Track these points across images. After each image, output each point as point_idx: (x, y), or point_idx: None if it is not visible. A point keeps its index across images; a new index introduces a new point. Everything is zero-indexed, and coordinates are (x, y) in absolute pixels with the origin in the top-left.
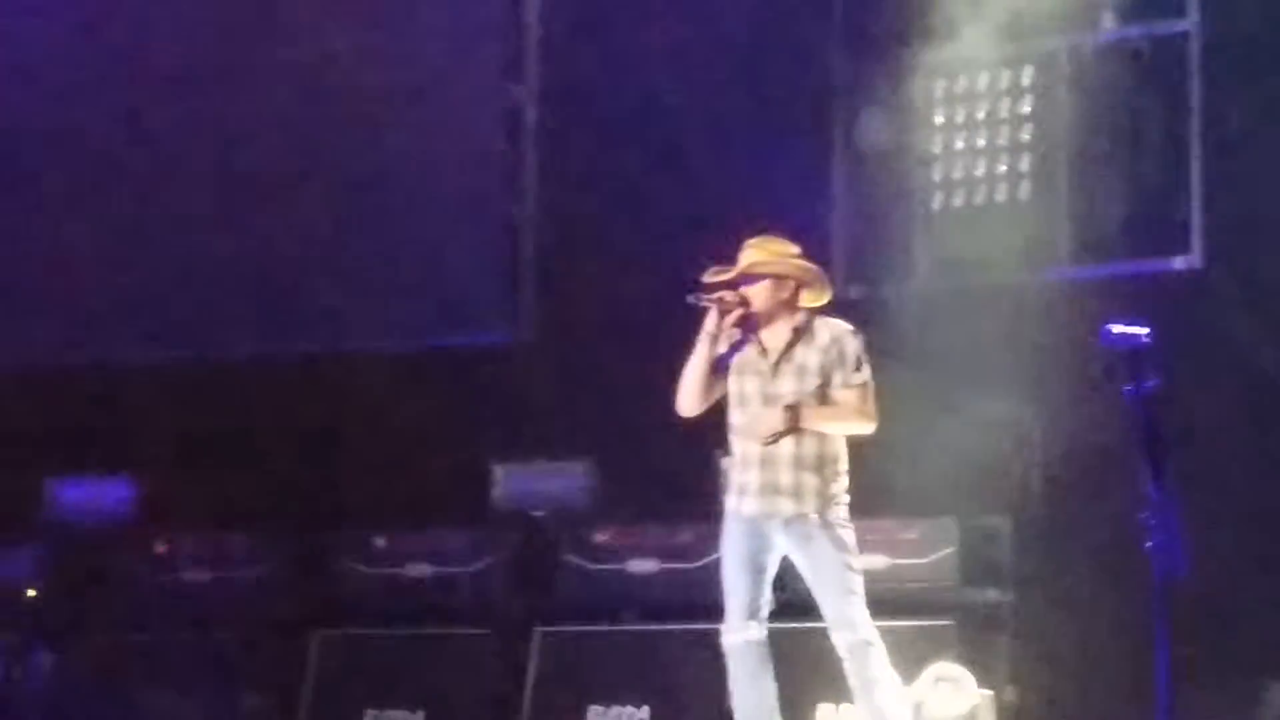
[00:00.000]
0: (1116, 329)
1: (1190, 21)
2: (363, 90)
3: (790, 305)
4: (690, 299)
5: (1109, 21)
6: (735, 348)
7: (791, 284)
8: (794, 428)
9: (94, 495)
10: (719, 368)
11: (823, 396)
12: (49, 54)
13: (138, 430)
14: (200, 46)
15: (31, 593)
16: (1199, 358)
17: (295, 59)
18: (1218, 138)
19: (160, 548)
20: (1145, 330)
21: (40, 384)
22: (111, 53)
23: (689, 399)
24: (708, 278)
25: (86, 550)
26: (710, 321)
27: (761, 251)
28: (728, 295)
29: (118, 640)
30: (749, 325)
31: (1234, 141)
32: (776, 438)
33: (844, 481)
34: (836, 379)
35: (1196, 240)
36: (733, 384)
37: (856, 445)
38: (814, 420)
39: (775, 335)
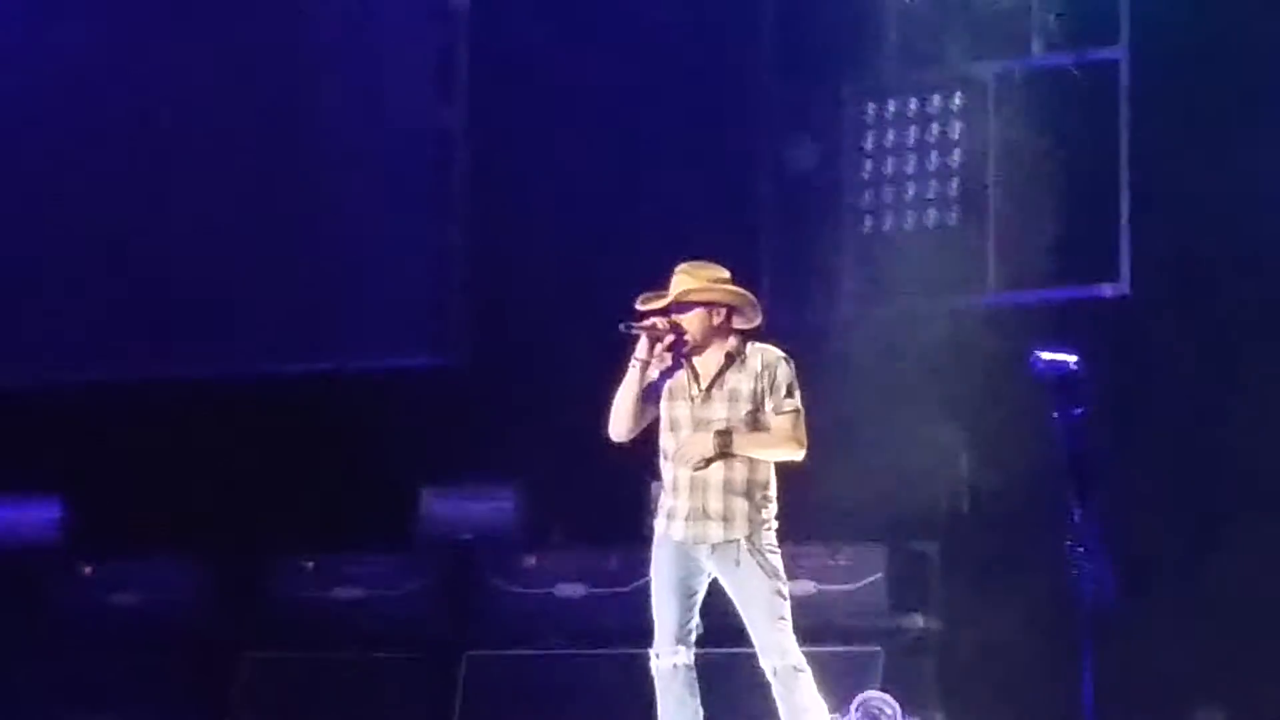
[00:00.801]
0: (1045, 356)
1: (1120, 49)
2: (295, 109)
3: (722, 331)
4: (623, 328)
5: (1038, 47)
6: (667, 373)
7: (724, 310)
8: (725, 453)
9: (21, 516)
10: (651, 393)
11: (754, 422)
12: None
13: (64, 451)
14: (119, 60)
15: None
16: (1127, 384)
17: (226, 78)
18: (1147, 164)
19: (87, 570)
20: (1074, 358)
21: None
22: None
23: (620, 424)
24: (640, 305)
25: (12, 572)
26: (642, 348)
27: (693, 278)
28: (660, 322)
29: (43, 663)
30: (681, 351)
31: (1163, 168)
32: (707, 463)
33: (773, 507)
34: (768, 405)
35: (1125, 267)
36: (664, 409)
37: (786, 471)
38: (745, 446)
39: (707, 361)
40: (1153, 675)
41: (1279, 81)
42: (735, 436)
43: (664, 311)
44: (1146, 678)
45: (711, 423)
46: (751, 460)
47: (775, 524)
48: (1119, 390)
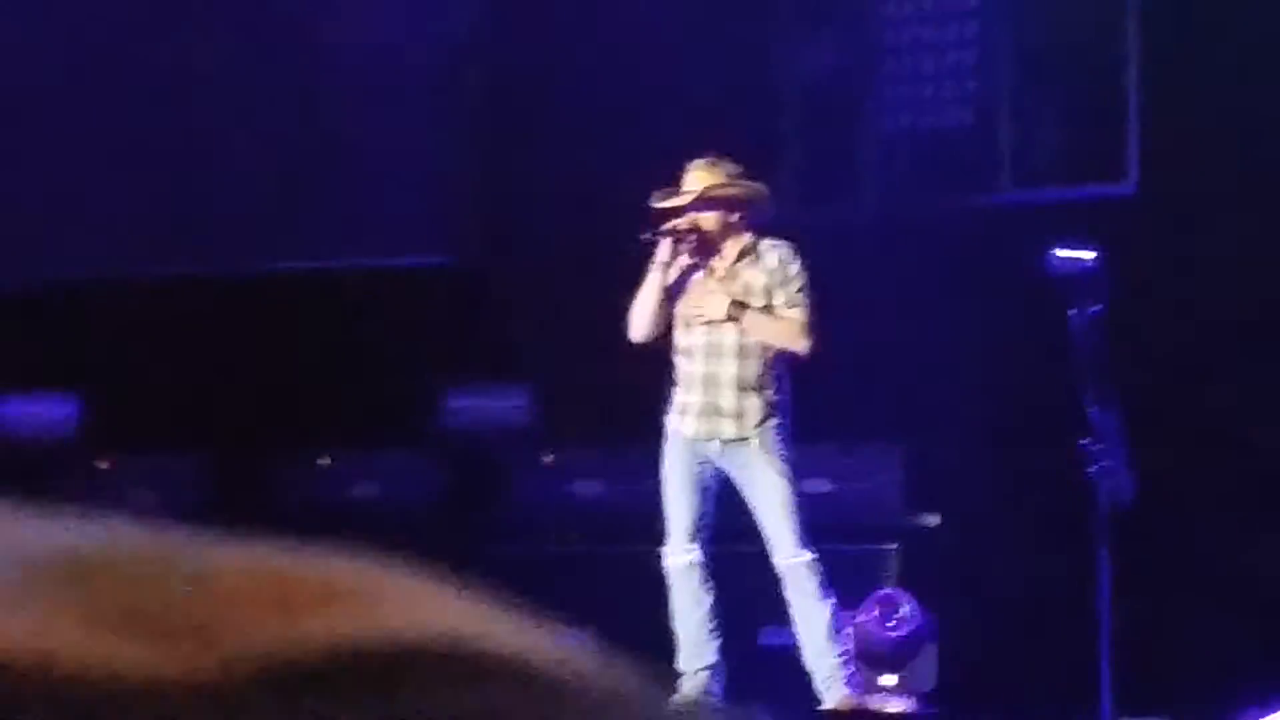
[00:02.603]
0: (1062, 253)
1: None
2: (307, 11)
3: (737, 226)
4: (645, 237)
5: None
6: (686, 271)
7: (740, 206)
8: (736, 319)
9: (35, 412)
10: (670, 293)
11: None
12: None
13: (78, 348)
14: None
15: None
16: (1135, 283)
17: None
18: (1156, 61)
19: (102, 465)
20: (1091, 254)
21: None
22: None
23: (641, 325)
24: (657, 203)
25: (27, 467)
26: (664, 250)
27: (711, 174)
28: (682, 224)
29: None
30: (701, 249)
31: (1172, 65)
32: (715, 323)
33: (786, 405)
34: (779, 298)
35: (1133, 165)
36: (679, 305)
37: (799, 370)
38: (756, 323)
39: (722, 257)
40: (1168, 574)
41: None
42: (749, 312)
43: (684, 209)
44: (1162, 576)
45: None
46: (764, 358)
47: (787, 421)
48: (1132, 287)
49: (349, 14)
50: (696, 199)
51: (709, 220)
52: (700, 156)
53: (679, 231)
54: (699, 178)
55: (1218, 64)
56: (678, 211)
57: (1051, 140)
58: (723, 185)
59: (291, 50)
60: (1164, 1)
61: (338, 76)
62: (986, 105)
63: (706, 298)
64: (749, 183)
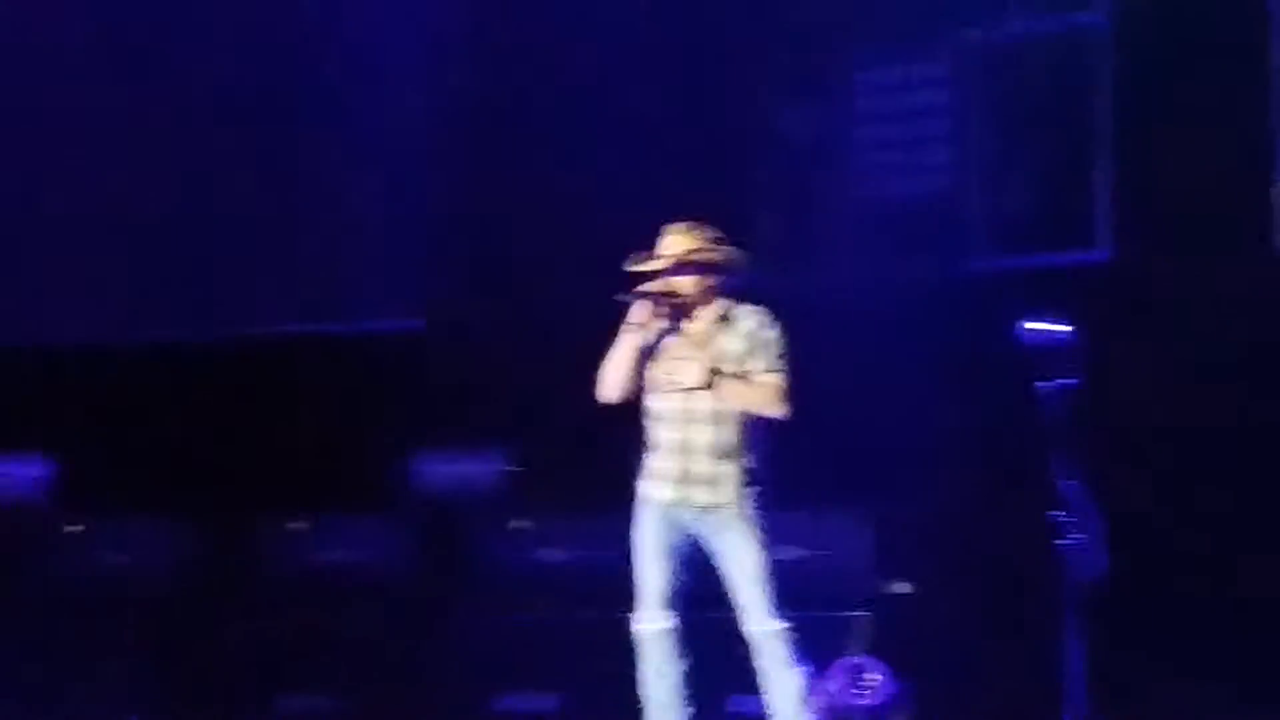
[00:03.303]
0: (1035, 326)
1: (1099, 13)
2: (286, 72)
3: (713, 291)
4: (620, 298)
5: (1019, 14)
6: (660, 335)
7: (717, 271)
8: (710, 386)
9: (8, 475)
10: (643, 356)
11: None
12: None
13: (53, 411)
14: (110, 17)
15: None
16: (1105, 350)
17: (218, 40)
18: (1127, 130)
19: (74, 528)
20: (1065, 328)
21: None
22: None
23: (612, 386)
24: (633, 267)
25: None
26: (638, 312)
27: (687, 239)
28: (658, 286)
29: (29, 624)
30: (676, 313)
31: (1143, 134)
32: (690, 390)
33: (760, 471)
34: (756, 365)
35: (1106, 234)
36: (652, 370)
37: (774, 436)
38: (731, 389)
39: (697, 322)
40: (1140, 646)
41: (1258, 43)
42: (723, 379)
43: (660, 273)
44: (1133, 649)
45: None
46: (738, 425)
47: (761, 488)
48: (1103, 357)
49: (325, 81)
50: (673, 263)
51: (685, 284)
52: (677, 221)
53: (654, 294)
54: (675, 242)
55: (1189, 130)
56: (654, 275)
57: (1024, 208)
58: (699, 250)
59: (265, 117)
60: (1136, 68)
61: (313, 142)
62: (959, 173)
63: (681, 363)
64: (725, 247)
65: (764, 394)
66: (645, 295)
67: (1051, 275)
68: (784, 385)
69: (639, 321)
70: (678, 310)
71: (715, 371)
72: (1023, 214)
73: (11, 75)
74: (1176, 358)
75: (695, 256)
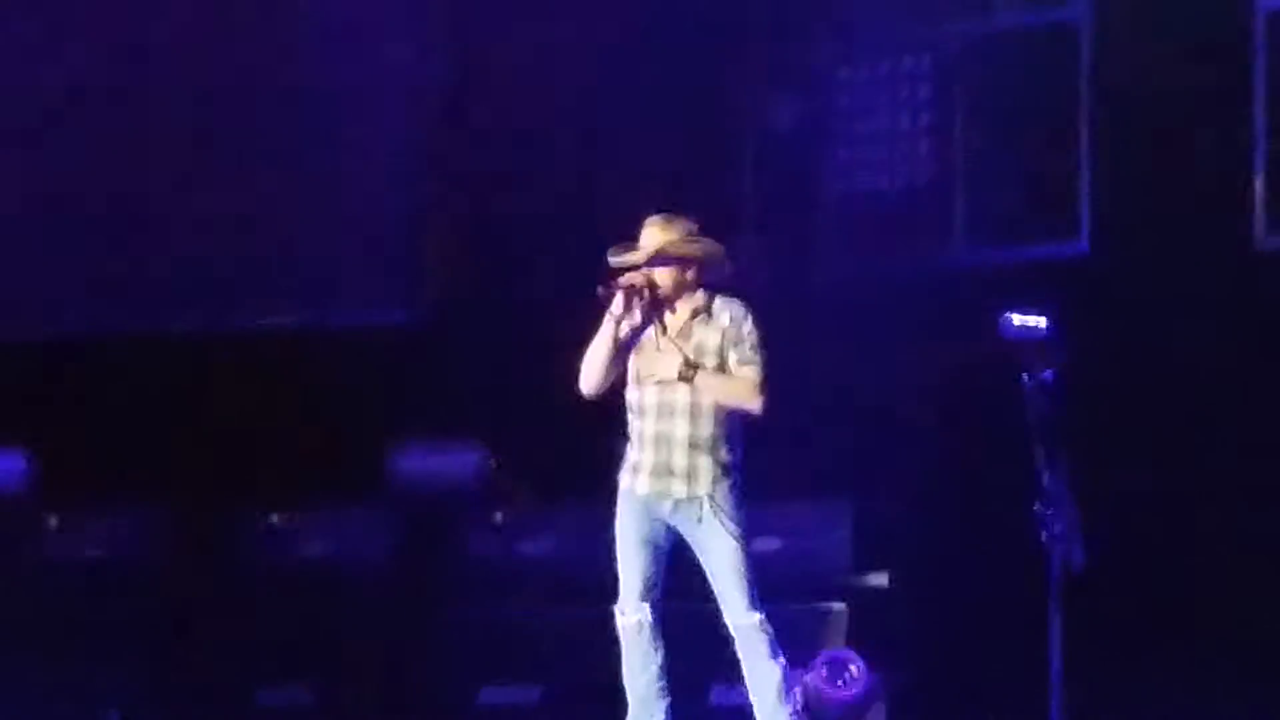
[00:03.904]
0: (1016, 318)
1: (1080, 8)
2: (271, 61)
3: (692, 284)
4: (601, 290)
5: (1001, 8)
6: (639, 328)
7: (695, 264)
8: (688, 380)
9: None
10: (622, 348)
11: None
12: None
13: (32, 404)
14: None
15: None
16: (1086, 343)
17: (204, 30)
18: (1108, 124)
19: (53, 523)
20: (1044, 320)
21: None
22: None
23: (591, 379)
24: (614, 258)
25: None
26: (617, 305)
27: (667, 231)
28: (637, 280)
29: (6, 616)
30: (655, 306)
31: (1124, 128)
32: (668, 383)
33: (738, 464)
34: (733, 357)
35: (1085, 226)
36: (631, 363)
37: (753, 428)
38: (709, 383)
39: (675, 314)
40: (1120, 638)
41: (1238, 39)
42: (701, 373)
43: (639, 265)
44: (1114, 641)
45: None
46: (716, 418)
47: (739, 480)
48: (1082, 350)
49: (309, 72)
50: (652, 256)
51: (664, 276)
52: (656, 213)
53: (634, 286)
54: (655, 234)
55: (1169, 122)
56: (633, 267)
57: (1005, 201)
58: (679, 242)
59: (248, 108)
60: (1117, 62)
61: (297, 134)
62: (941, 166)
63: (659, 356)
64: (709, 242)
65: (740, 387)
66: (624, 288)
67: (1033, 268)
68: (761, 378)
69: (618, 314)
70: (656, 303)
71: (692, 365)
72: (1004, 207)
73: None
74: (1157, 351)
75: (674, 249)
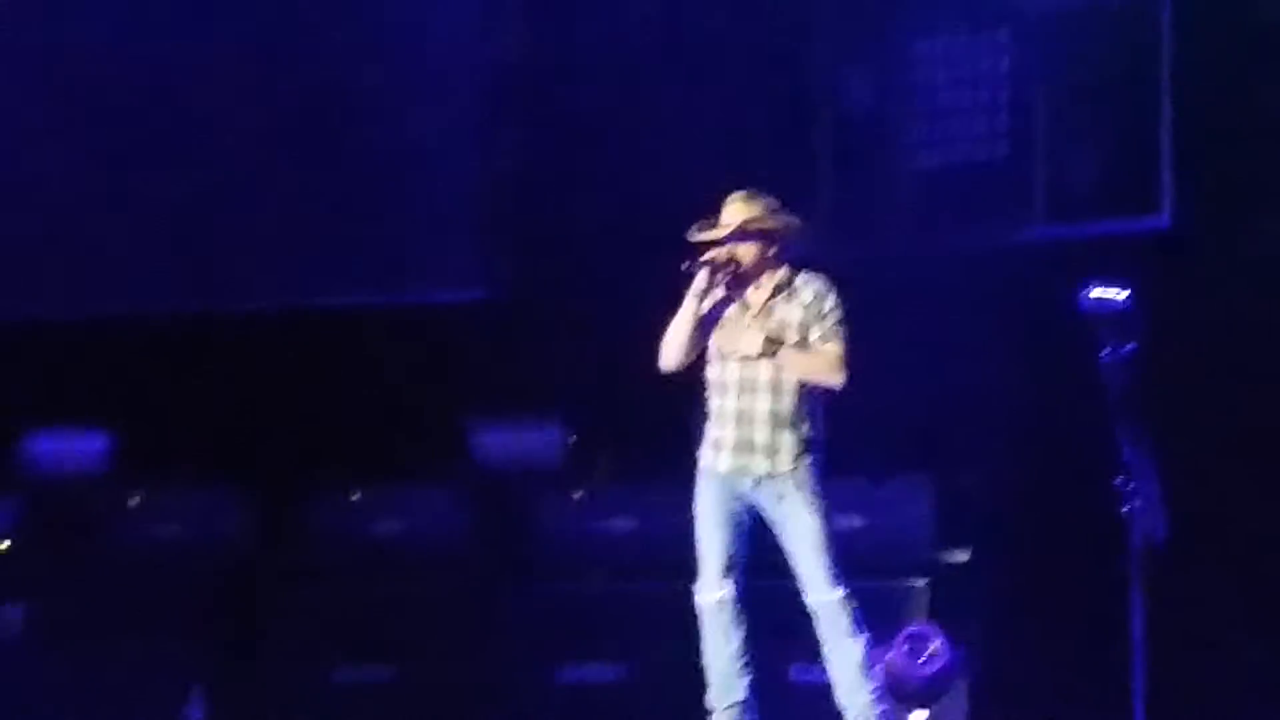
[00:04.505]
0: (1095, 293)
1: None
2: (342, 38)
3: (774, 261)
4: (685, 268)
5: None
6: (721, 304)
7: (777, 240)
8: (769, 355)
9: (69, 448)
10: (704, 324)
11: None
12: None
13: (113, 383)
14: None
15: (4, 545)
16: (1167, 319)
17: (270, 6)
18: (1189, 98)
19: (134, 501)
20: (1125, 293)
21: (15, 335)
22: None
23: (673, 355)
24: (696, 235)
25: (61, 503)
26: (700, 279)
27: (749, 207)
28: (720, 255)
29: (90, 595)
30: (737, 282)
31: (1203, 101)
32: (749, 359)
33: (819, 440)
34: (814, 333)
35: (1167, 201)
36: (713, 339)
37: (834, 404)
38: (790, 360)
39: (757, 290)
40: (1203, 613)
41: None
42: (783, 349)
43: (722, 241)
44: (1196, 616)
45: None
46: (797, 393)
47: (820, 457)
48: (1163, 324)
49: (382, 48)
50: (734, 231)
51: (747, 252)
52: (737, 190)
53: (717, 262)
54: (737, 210)
55: (1252, 95)
56: (716, 244)
57: (1085, 175)
58: (761, 217)
59: (323, 85)
60: (1198, 34)
61: (371, 112)
62: (1020, 141)
63: (741, 333)
64: (790, 217)
65: (823, 362)
66: (707, 265)
67: (1114, 243)
68: (842, 354)
69: (700, 289)
70: (738, 279)
71: (773, 341)
72: (1085, 182)
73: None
74: (1238, 327)
75: (756, 225)
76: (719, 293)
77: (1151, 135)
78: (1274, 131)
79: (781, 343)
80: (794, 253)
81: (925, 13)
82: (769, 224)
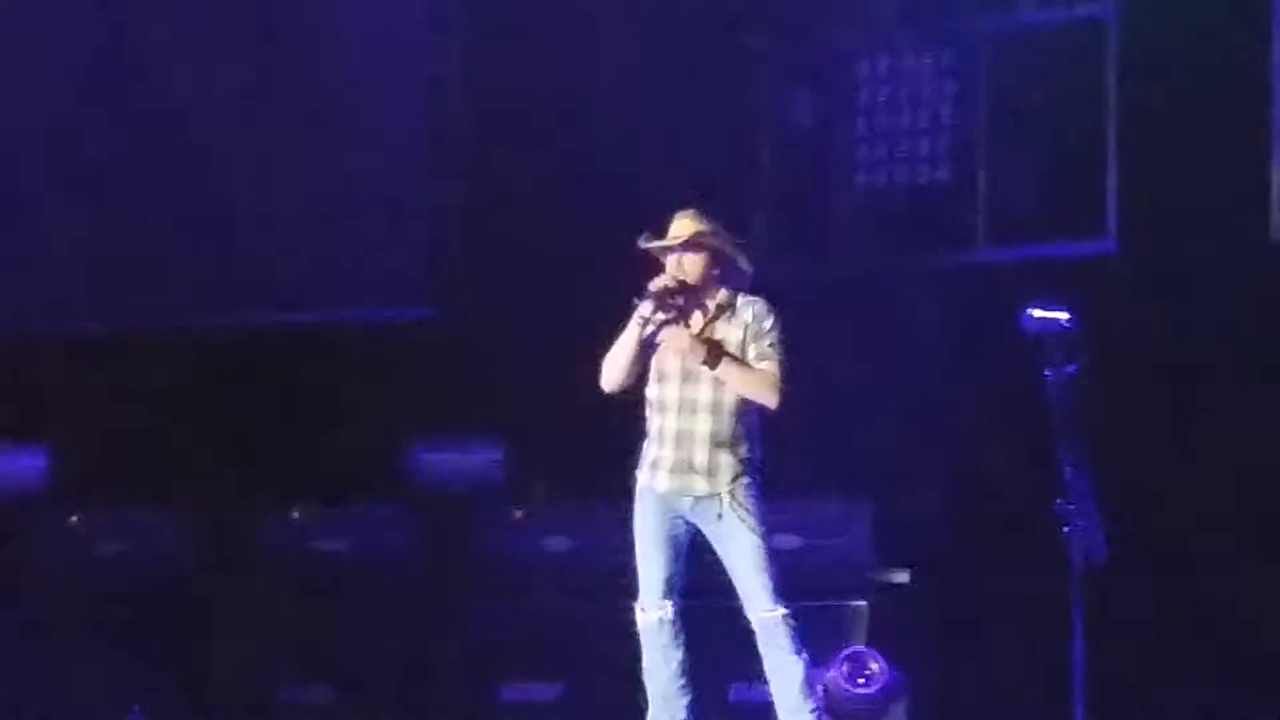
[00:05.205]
0: (1037, 313)
1: (1109, 5)
2: (288, 58)
3: (716, 281)
4: (637, 301)
5: (1029, 4)
6: (662, 326)
7: (721, 262)
8: (712, 365)
9: (7, 466)
10: (647, 346)
11: None
12: None
13: (53, 401)
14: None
15: None
16: (1112, 341)
17: (218, 28)
18: (1134, 121)
19: (74, 520)
20: (1066, 314)
21: None
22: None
23: (614, 376)
24: (645, 244)
25: None
26: (647, 306)
27: (696, 223)
28: (667, 282)
29: (29, 614)
30: (680, 304)
31: (1150, 125)
32: (691, 358)
33: (757, 461)
34: (751, 352)
35: (1112, 223)
36: (654, 360)
37: (772, 424)
38: (730, 370)
39: (700, 311)
40: (1142, 634)
41: (1265, 38)
42: (724, 359)
43: (672, 249)
44: (1135, 637)
45: (700, 373)
46: (736, 415)
47: (759, 477)
48: (1106, 347)
49: (327, 67)
50: (687, 241)
51: (694, 267)
52: (682, 209)
53: (667, 290)
54: (685, 225)
55: (1197, 118)
56: (665, 252)
57: (1029, 197)
58: (711, 234)
59: (268, 104)
60: (1143, 57)
61: (316, 131)
62: (963, 162)
63: (683, 337)
64: (739, 241)
65: (759, 380)
66: (657, 293)
67: (1057, 265)
68: (778, 375)
69: (647, 315)
70: (684, 300)
71: (716, 345)
72: (1028, 204)
73: (16, 68)
74: (1180, 348)
75: (707, 240)
76: (662, 315)
77: (1097, 158)
78: (1218, 154)
79: (724, 350)
80: (736, 278)
81: (868, 34)
82: (716, 242)
